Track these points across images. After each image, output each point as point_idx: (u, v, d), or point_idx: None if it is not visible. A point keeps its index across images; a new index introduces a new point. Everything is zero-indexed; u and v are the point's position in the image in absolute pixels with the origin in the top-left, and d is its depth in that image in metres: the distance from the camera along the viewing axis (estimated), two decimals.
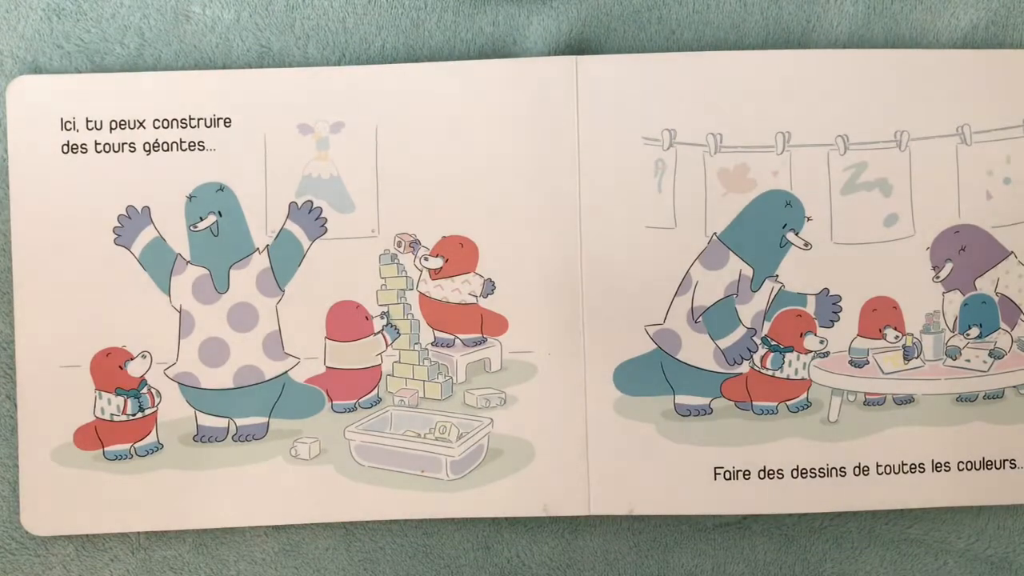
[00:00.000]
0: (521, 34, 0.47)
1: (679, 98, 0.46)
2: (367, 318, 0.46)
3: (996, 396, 0.46)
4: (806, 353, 0.46)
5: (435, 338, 0.46)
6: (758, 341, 0.46)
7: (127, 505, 0.45)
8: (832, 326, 0.46)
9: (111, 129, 0.46)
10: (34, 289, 0.45)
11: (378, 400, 0.46)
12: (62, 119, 0.46)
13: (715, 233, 0.46)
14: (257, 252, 0.46)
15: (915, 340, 0.46)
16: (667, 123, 0.46)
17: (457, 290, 0.46)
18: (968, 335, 0.46)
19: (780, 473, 0.46)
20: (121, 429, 0.45)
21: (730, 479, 0.46)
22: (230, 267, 0.46)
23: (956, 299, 0.46)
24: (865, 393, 0.46)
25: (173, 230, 0.46)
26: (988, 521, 0.47)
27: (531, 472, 0.45)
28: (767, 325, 0.46)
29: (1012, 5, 0.48)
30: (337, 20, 0.47)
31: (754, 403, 0.46)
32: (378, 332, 0.46)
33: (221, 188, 0.46)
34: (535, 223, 0.46)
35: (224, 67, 0.47)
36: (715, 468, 0.46)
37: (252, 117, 0.46)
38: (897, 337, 0.46)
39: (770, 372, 0.46)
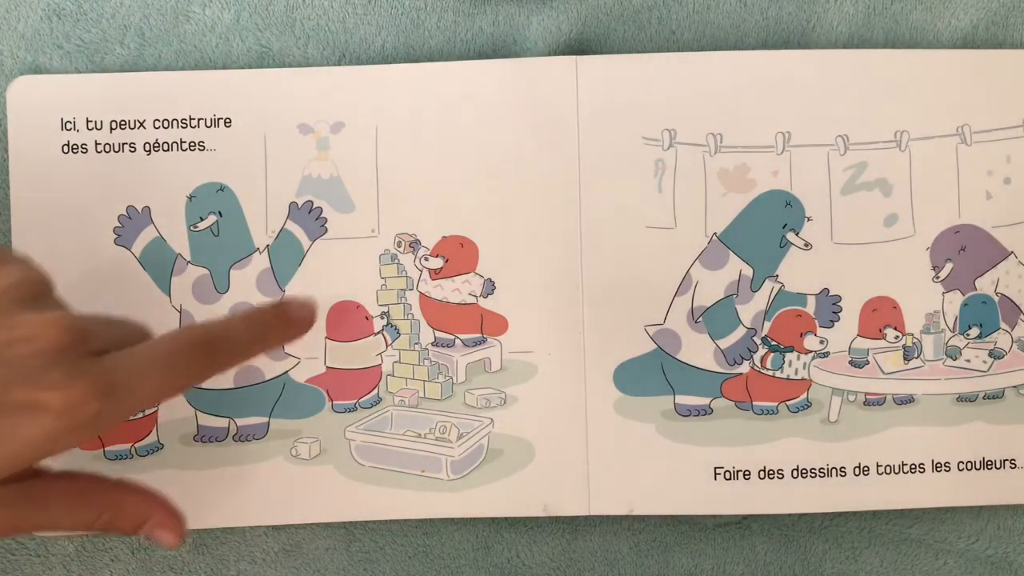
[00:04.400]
0: (521, 34, 0.47)
1: (679, 98, 0.46)
2: (367, 318, 0.46)
3: (996, 396, 0.46)
4: (806, 353, 0.46)
5: (435, 338, 0.46)
6: (758, 341, 0.46)
7: None
8: (832, 326, 0.46)
9: (111, 129, 0.46)
10: None
11: (378, 400, 0.46)
12: (62, 119, 0.46)
13: (715, 233, 0.46)
14: (257, 252, 0.46)
15: (915, 340, 0.46)
16: (667, 123, 0.46)
17: (457, 290, 0.46)
18: (968, 335, 0.46)
19: (780, 473, 0.46)
20: (121, 429, 0.45)
21: (730, 479, 0.46)
22: (230, 267, 0.46)
23: (956, 299, 0.46)
24: (865, 393, 0.46)
25: (173, 230, 0.46)
26: (988, 521, 0.47)
27: (531, 472, 0.45)
28: (767, 325, 0.46)
29: (1012, 5, 0.48)
30: (337, 20, 0.47)
31: (754, 403, 0.46)
32: (378, 332, 0.46)
33: (221, 188, 0.46)
34: (535, 223, 0.46)
35: (224, 67, 0.47)
36: (715, 468, 0.46)
37: (252, 117, 0.46)
38: (897, 337, 0.46)
39: (770, 372, 0.46)
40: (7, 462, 0.31)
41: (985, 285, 0.46)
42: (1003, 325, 0.46)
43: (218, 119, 0.46)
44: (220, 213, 0.46)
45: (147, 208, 0.46)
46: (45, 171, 0.46)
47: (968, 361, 0.46)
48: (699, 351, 0.46)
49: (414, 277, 0.46)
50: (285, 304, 0.40)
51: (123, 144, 0.46)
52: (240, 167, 0.46)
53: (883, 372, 0.46)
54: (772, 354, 0.46)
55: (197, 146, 0.46)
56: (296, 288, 0.46)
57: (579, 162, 0.46)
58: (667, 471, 0.46)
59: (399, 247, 0.46)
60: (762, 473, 0.46)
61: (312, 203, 0.46)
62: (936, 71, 0.46)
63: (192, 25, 0.47)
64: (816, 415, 0.46)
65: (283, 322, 0.40)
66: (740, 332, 0.46)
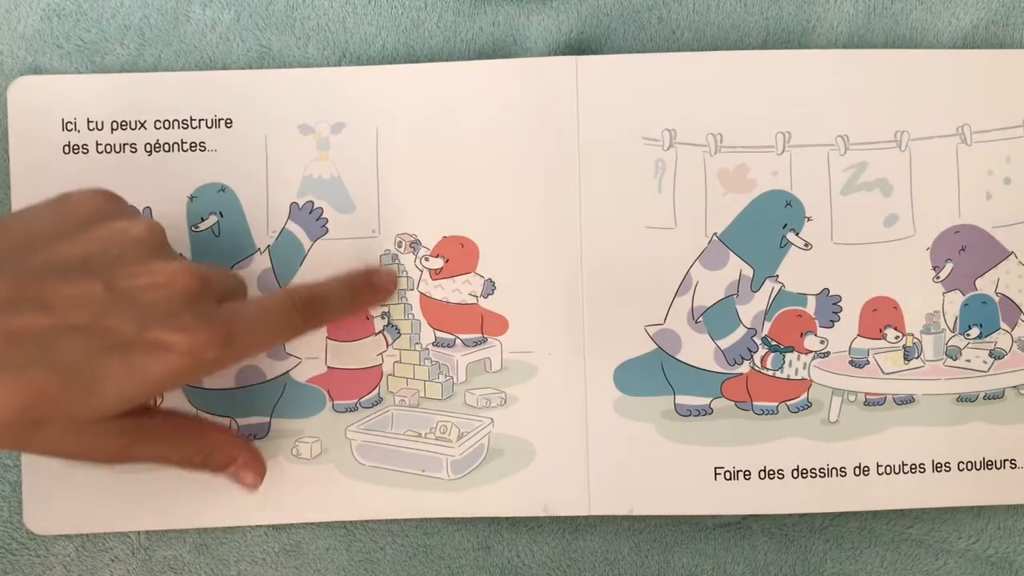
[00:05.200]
0: (521, 34, 0.47)
1: (679, 98, 0.46)
2: (368, 318, 0.46)
3: (996, 396, 0.46)
4: (806, 353, 0.46)
5: (436, 338, 0.46)
6: (758, 341, 0.46)
7: (127, 505, 0.45)
8: (832, 326, 0.46)
9: (112, 130, 0.46)
10: None
11: (379, 400, 0.46)
12: (63, 120, 0.46)
13: (715, 233, 0.46)
14: (258, 252, 0.46)
15: (915, 340, 0.46)
16: (667, 123, 0.46)
17: (457, 290, 0.46)
18: (968, 335, 0.46)
19: (780, 473, 0.46)
20: None
21: (730, 479, 0.46)
22: (232, 267, 0.46)
23: (956, 299, 0.46)
24: (865, 393, 0.46)
25: (174, 231, 0.46)
26: (988, 521, 0.47)
27: (531, 472, 0.45)
28: (767, 325, 0.46)
29: (1012, 5, 0.48)
30: (337, 20, 0.47)
31: (754, 403, 0.46)
32: (379, 332, 0.46)
33: (222, 189, 0.46)
34: (535, 223, 0.46)
35: (224, 67, 0.47)
36: (715, 468, 0.46)
37: (253, 118, 0.46)
38: (897, 337, 0.46)
39: (770, 372, 0.46)
40: (135, 393, 0.35)
41: (985, 285, 0.46)
42: (1003, 325, 0.46)
43: (219, 120, 0.46)
44: (221, 213, 0.46)
45: (148, 208, 0.46)
46: (46, 172, 0.46)
47: (968, 361, 0.46)
48: (699, 351, 0.46)
49: (414, 277, 0.46)
50: (373, 272, 0.45)
51: (124, 145, 0.46)
52: (241, 168, 0.46)
53: (883, 372, 0.46)
54: (772, 354, 0.46)
55: (198, 147, 0.46)
56: None
57: (579, 162, 0.46)
58: (667, 471, 0.46)
59: (399, 247, 0.46)
60: (762, 473, 0.46)
61: (313, 203, 0.46)
62: (936, 71, 0.46)
63: (192, 25, 0.47)
64: (816, 415, 0.46)
65: (371, 288, 0.45)
66: (740, 332, 0.46)
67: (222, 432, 0.41)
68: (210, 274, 0.38)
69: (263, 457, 0.41)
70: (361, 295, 0.45)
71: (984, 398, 0.46)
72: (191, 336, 0.35)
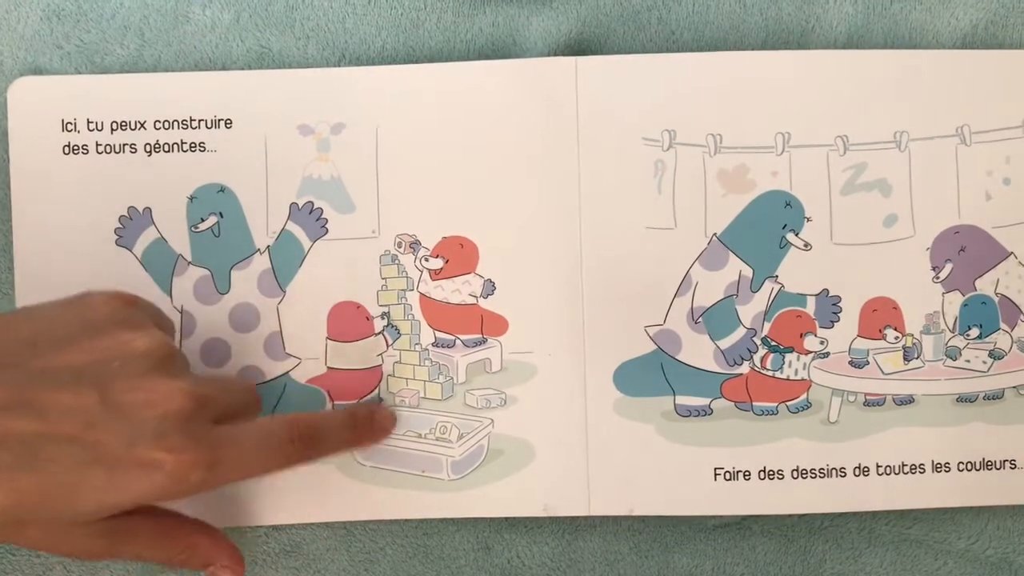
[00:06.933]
0: (521, 34, 0.47)
1: (679, 98, 0.46)
2: (368, 319, 0.46)
3: (996, 396, 0.46)
4: (806, 354, 0.46)
5: (435, 339, 0.46)
6: (758, 342, 0.46)
7: None
8: (832, 327, 0.46)
9: (112, 130, 0.46)
10: (36, 291, 0.45)
11: (379, 400, 0.46)
12: (63, 120, 0.46)
13: (715, 233, 0.46)
14: (258, 253, 0.46)
15: (915, 340, 0.46)
16: (667, 123, 0.46)
17: (457, 291, 0.46)
18: (968, 335, 0.46)
19: (780, 473, 0.46)
20: None
21: (730, 479, 0.46)
22: (231, 268, 0.46)
23: (956, 299, 0.46)
24: (865, 393, 0.46)
25: (174, 231, 0.46)
26: (988, 521, 0.47)
27: (531, 472, 0.46)
28: (767, 326, 0.46)
29: (1012, 5, 0.47)
30: (337, 20, 0.47)
31: (754, 403, 0.46)
32: (379, 333, 0.46)
33: (222, 189, 0.46)
34: (535, 223, 0.46)
35: (224, 68, 0.47)
36: (715, 468, 0.46)
37: (253, 118, 0.46)
38: (897, 338, 0.46)
39: (770, 373, 0.46)
40: (115, 505, 0.35)
41: (985, 285, 0.46)
42: (1003, 326, 0.46)
43: (219, 120, 0.46)
44: (221, 214, 0.46)
45: (148, 209, 0.46)
46: (46, 172, 0.46)
47: (968, 361, 0.46)
48: (699, 351, 0.46)
49: (414, 278, 0.46)
50: (375, 412, 0.45)
51: (124, 145, 0.46)
52: (241, 168, 0.46)
53: (883, 372, 0.46)
54: (772, 354, 0.46)
55: (198, 147, 0.46)
56: (297, 288, 0.46)
57: (579, 162, 0.46)
58: (667, 471, 0.46)
59: (399, 248, 0.46)
60: (762, 473, 0.46)
61: (313, 204, 0.46)
62: (936, 71, 0.46)
63: (192, 25, 0.47)
64: (816, 415, 0.46)
65: (372, 426, 0.45)
66: (740, 332, 0.46)
67: (203, 533, 0.41)
68: (211, 393, 0.38)
69: (242, 557, 0.42)
70: (361, 432, 0.45)
71: (984, 398, 0.46)
72: (177, 457, 0.35)
